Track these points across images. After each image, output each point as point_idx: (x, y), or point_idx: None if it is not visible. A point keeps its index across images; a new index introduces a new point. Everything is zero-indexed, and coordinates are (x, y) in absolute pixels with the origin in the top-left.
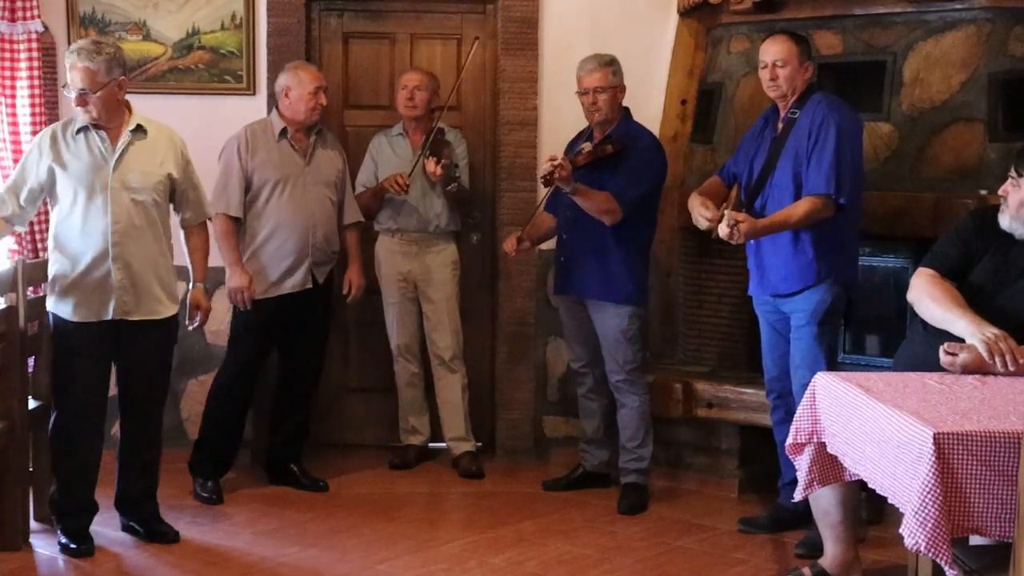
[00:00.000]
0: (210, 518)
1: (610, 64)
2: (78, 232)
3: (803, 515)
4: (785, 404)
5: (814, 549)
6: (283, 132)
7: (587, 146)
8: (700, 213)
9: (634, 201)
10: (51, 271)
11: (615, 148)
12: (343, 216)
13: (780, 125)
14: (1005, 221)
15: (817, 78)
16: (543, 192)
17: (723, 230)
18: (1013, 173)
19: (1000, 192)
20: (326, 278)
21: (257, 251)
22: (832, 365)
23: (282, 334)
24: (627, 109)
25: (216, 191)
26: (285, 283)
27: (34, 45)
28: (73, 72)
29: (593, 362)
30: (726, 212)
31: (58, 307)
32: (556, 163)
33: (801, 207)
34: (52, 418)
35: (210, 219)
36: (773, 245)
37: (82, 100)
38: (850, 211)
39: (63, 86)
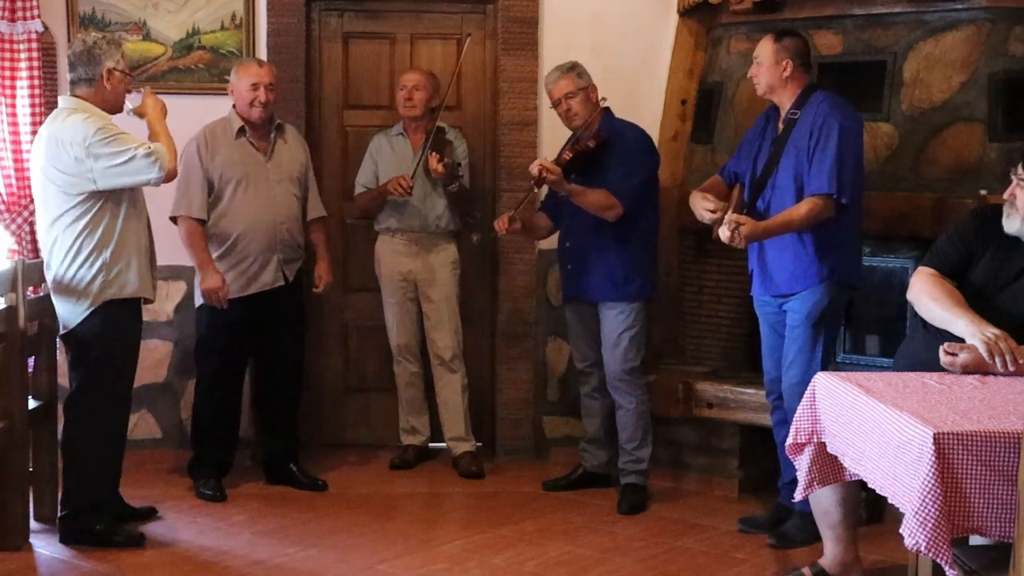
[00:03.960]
0: (210, 518)
1: (572, 69)
2: None
3: (801, 512)
4: (783, 406)
5: (784, 540)
6: (241, 130)
7: (570, 146)
8: (702, 206)
9: (631, 192)
10: None
11: (597, 141)
12: (307, 212)
13: (781, 125)
14: (1015, 225)
15: (817, 78)
16: (542, 194)
17: (724, 233)
18: (1021, 172)
19: (1006, 196)
20: (296, 276)
21: (226, 252)
22: (827, 366)
23: (256, 334)
24: (608, 108)
25: (178, 195)
26: (256, 282)
27: (34, 45)
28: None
29: (598, 361)
30: (727, 215)
31: None
32: (544, 167)
33: (803, 208)
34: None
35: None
36: (776, 246)
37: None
38: (852, 211)
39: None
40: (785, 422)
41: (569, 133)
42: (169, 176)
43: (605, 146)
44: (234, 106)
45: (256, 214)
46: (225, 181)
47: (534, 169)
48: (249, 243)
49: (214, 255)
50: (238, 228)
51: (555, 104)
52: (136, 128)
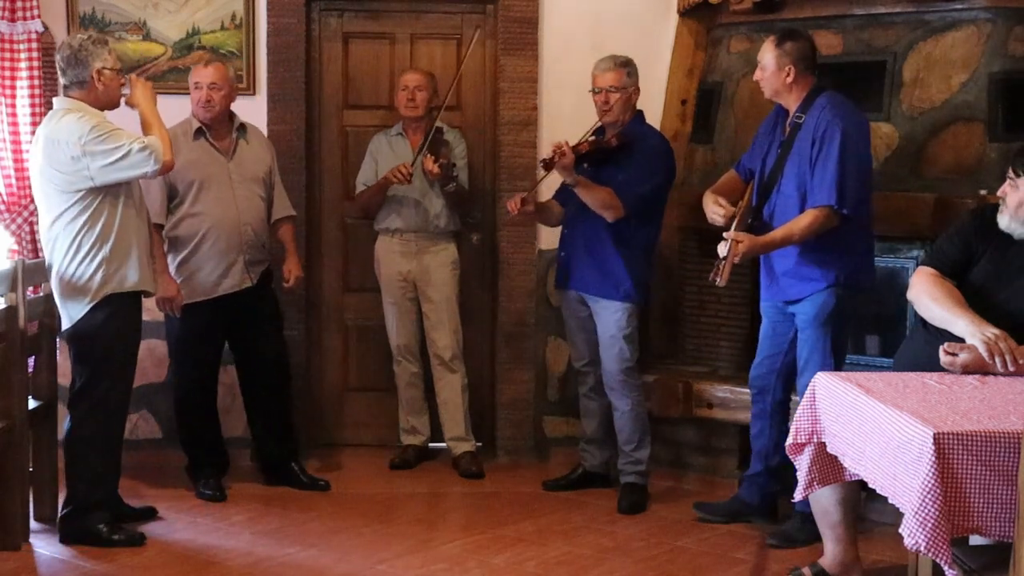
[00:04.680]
0: (210, 518)
1: (625, 65)
2: None
3: (757, 507)
4: (763, 400)
5: (784, 540)
6: (199, 131)
7: (591, 139)
8: (713, 210)
9: (637, 199)
10: None
11: (619, 141)
12: (272, 211)
13: (788, 128)
14: (1004, 221)
15: (818, 78)
16: (544, 185)
17: (723, 249)
18: (1011, 174)
19: (999, 193)
20: (264, 277)
21: (190, 255)
22: (839, 368)
23: (230, 336)
24: (641, 112)
25: None
26: (221, 284)
27: (34, 45)
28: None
29: (595, 361)
30: (729, 232)
31: None
32: (560, 149)
33: (803, 221)
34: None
35: None
36: (782, 252)
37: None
38: (859, 215)
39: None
40: (760, 417)
41: (581, 124)
42: (165, 167)
43: (626, 147)
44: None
45: (219, 215)
46: (186, 183)
47: (549, 150)
48: (214, 244)
49: (179, 257)
50: (202, 229)
51: (595, 91)
52: (134, 122)
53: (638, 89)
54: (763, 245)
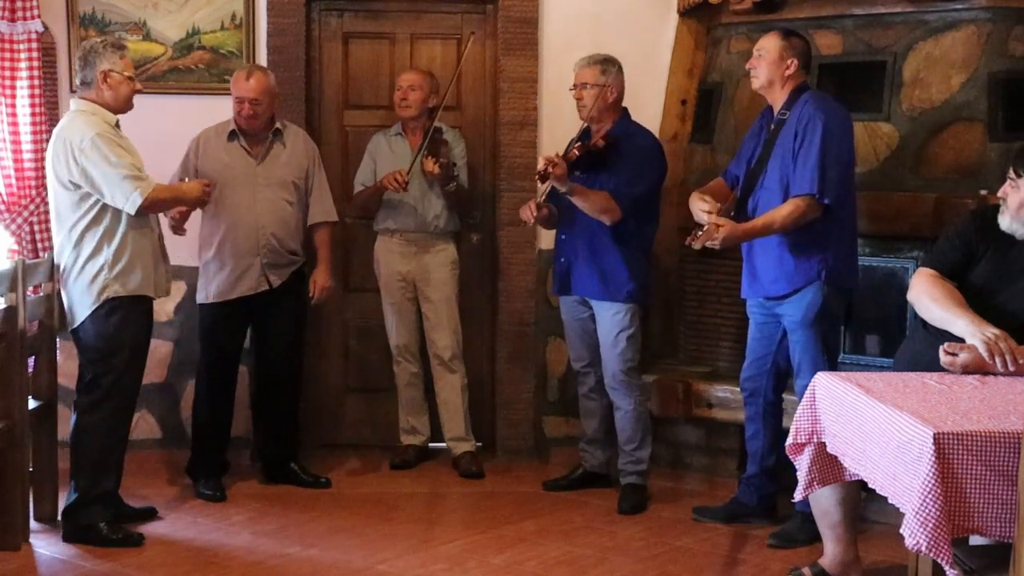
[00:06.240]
0: (210, 518)
1: (600, 63)
2: None
3: (755, 509)
4: (755, 403)
5: (784, 540)
6: (233, 134)
7: (579, 144)
8: (698, 207)
9: (633, 199)
10: None
11: (607, 142)
12: (308, 216)
13: (772, 126)
14: (1005, 222)
15: (817, 78)
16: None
17: (701, 218)
18: (1012, 174)
19: (999, 193)
20: (290, 281)
21: (212, 256)
22: (833, 367)
23: (254, 337)
24: (626, 109)
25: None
26: (237, 286)
27: (34, 45)
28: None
29: (595, 362)
30: (708, 217)
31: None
32: (551, 161)
33: (784, 209)
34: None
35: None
36: (763, 247)
37: None
38: (841, 211)
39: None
40: (754, 420)
41: (571, 129)
42: (140, 210)
43: (614, 147)
44: None
45: (238, 218)
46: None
47: (541, 164)
48: (232, 246)
49: (204, 257)
50: (220, 230)
51: (572, 87)
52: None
53: (618, 89)
54: (744, 232)
